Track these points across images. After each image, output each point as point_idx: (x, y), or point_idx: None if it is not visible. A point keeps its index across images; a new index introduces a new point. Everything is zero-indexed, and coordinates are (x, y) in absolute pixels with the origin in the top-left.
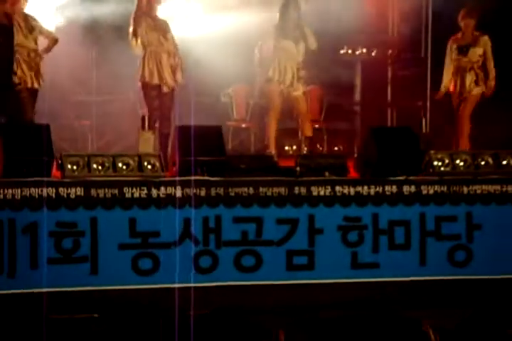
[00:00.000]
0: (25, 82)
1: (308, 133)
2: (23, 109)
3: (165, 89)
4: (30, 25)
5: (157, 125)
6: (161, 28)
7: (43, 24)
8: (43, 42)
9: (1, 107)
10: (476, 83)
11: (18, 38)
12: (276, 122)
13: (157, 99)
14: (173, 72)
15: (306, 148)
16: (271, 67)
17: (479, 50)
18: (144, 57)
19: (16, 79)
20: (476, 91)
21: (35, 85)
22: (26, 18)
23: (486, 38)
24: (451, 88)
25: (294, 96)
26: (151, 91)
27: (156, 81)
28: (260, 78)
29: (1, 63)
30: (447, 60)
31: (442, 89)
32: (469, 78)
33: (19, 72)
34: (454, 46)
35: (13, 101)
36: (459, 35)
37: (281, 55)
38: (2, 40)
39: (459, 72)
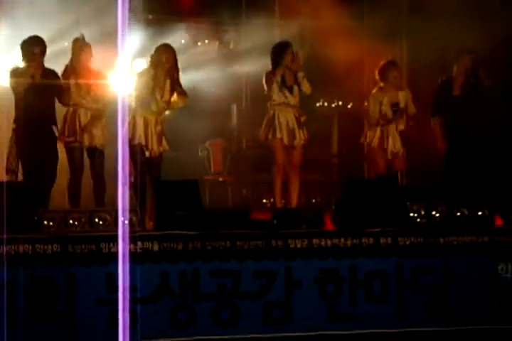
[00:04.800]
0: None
1: (296, 186)
2: None
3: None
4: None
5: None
6: None
7: None
8: None
9: None
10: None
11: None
12: (281, 177)
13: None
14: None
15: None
16: (268, 122)
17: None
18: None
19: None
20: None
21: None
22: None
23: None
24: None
25: (295, 145)
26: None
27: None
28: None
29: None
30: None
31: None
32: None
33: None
34: (387, 104)
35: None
36: (386, 88)
37: (277, 109)
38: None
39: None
